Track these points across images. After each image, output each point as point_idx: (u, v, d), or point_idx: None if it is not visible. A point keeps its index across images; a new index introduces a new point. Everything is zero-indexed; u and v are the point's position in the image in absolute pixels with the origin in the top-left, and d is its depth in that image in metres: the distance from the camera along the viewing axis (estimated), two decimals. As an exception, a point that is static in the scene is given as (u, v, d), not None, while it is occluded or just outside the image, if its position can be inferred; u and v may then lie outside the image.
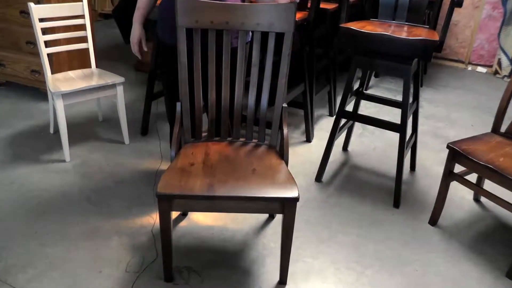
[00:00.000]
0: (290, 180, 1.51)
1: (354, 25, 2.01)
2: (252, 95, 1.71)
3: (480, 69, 4.71)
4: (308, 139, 2.80)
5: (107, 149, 2.56)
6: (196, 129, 1.74)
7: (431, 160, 2.68)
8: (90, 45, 2.60)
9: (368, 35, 1.90)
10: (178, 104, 1.67)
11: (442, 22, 2.18)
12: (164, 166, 2.40)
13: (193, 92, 1.68)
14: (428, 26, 2.17)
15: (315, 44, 2.69)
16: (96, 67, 2.65)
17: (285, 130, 1.68)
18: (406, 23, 2.22)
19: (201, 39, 1.63)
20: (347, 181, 2.39)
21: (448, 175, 1.95)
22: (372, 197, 2.26)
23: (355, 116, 2.17)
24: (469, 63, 4.75)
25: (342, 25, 1.98)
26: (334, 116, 3.03)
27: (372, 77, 4.04)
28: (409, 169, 2.57)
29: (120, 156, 2.49)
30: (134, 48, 1.99)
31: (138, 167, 2.39)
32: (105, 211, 2.03)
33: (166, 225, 1.49)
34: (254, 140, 1.79)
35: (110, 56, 4.30)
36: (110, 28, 5.34)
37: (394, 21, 2.24)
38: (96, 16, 5.81)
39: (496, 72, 4.56)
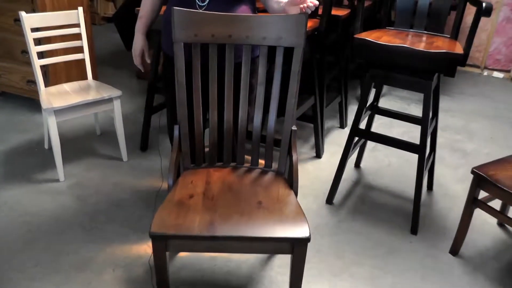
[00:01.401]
0: (300, 216, 1.35)
1: (369, 36, 1.84)
2: (257, 116, 1.55)
3: (496, 74, 4.50)
4: (318, 155, 2.64)
5: (105, 166, 2.42)
6: (196, 154, 1.58)
7: (449, 177, 2.51)
8: (86, 55, 2.45)
9: (385, 47, 1.73)
10: (176, 128, 1.51)
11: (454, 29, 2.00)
12: (166, 186, 2.25)
13: (193, 114, 1.53)
14: (449, 36, 1.99)
15: (326, 54, 2.52)
16: (94, 77, 2.51)
17: (295, 156, 1.52)
18: (425, 31, 2.05)
19: (201, 54, 1.47)
20: (360, 203, 2.22)
21: (472, 202, 1.77)
22: (387, 222, 2.09)
23: (370, 135, 2.00)
24: (485, 67, 4.55)
25: (357, 35, 1.81)
26: (347, 130, 2.88)
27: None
28: (426, 188, 2.39)
29: (118, 175, 2.34)
30: (136, 60, 1.84)
31: (137, 187, 2.24)
32: (100, 238, 1.88)
33: (161, 265, 1.34)
34: (260, 166, 1.63)
35: (112, 62, 4.16)
36: (113, 33, 5.19)
37: (412, 30, 2.07)
38: (99, 20, 5.68)
39: (513, 78, 4.36)
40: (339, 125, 3.10)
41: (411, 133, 3.01)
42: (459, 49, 1.72)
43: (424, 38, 1.93)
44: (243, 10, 1.61)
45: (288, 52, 1.49)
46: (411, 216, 2.13)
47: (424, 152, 1.87)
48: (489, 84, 4.24)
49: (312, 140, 2.84)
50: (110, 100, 2.30)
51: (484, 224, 2.11)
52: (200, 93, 1.50)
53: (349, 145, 2.04)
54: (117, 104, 2.32)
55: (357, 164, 2.55)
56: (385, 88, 3.86)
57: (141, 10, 1.80)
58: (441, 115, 3.39)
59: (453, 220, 2.13)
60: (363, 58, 1.80)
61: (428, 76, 1.77)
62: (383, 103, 3.57)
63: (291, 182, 1.51)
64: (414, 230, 2.00)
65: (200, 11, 1.42)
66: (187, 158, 1.57)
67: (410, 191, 2.35)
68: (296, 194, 1.49)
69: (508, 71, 4.46)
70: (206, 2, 1.54)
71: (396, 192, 2.34)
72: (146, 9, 1.78)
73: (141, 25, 1.80)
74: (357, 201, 2.24)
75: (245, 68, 1.51)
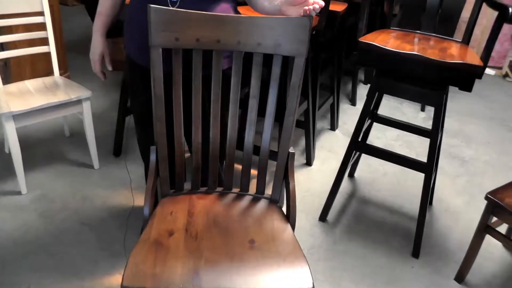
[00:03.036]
0: (300, 259, 1.15)
1: (375, 40, 1.63)
2: (249, 135, 1.33)
3: (488, 71, 4.37)
4: (309, 163, 2.44)
5: (73, 175, 2.16)
6: (176, 179, 1.35)
7: (448, 189, 2.35)
8: (52, 48, 2.16)
9: (396, 55, 1.52)
10: (153, 150, 1.28)
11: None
12: (138, 202, 2.01)
13: (172, 132, 1.29)
14: (460, 40, 1.80)
15: (321, 54, 2.30)
16: (63, 69, 2.22)
17: (292, 183, 1.31)
18: (433, 34, 1.84)
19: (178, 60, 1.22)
20: (356, 220, 2.04)
21: (484, 230, 1.61)
22: (386, 243, 1.91)
23: (371, 150, 1.81)
24: (477, 64, 4.41)
25: (362, 39, 1.59)
26: (338, 133, 2.66)
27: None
28: (426, 202, 2.22)
29: (88, 186, 2.09)
30: (95, 67, 1.56)
31: (109, 202, 2.00)
32: (65, 266, 1.64)
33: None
34: (250, 192, 1.41)
35: (84, 49, 3.80)
36: (86, 15, 4.82)
37: (419, 32, 1.86)
38: (72, 1, 5.29)
39: (506, 75, 4.23)
40: (329, 127, 2.90)
41: (406, 136, 2.84)
42: (476, 59, 1.53)
43: (433, 43, 1.73)
44: (224, 9, 1.36)
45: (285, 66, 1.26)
46: (411, 236, 1.96)
47: (431, 172, 1.68)
48: (481, 82, 4.10)
49: (302, 144, 2.64)
50: (78, 101, 2.03)
51: (488, 246, 1.96)
52: (181, 108, 1.27)
53: (347, 160, 1.84)
54: (86, 106, 2.06)
55: (351, 174, 2.37)
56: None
57: (99, 5, 1.49)
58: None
59: (455, 240, 1.97)
60: (369, 65, 1.59)
61: (441, 88, 1.58)
62: (375, 102, 3.38)
63: (287, 211, 1.30)
64: (416, 254, 1.84)
65: (174, 8, 1.17)
66: (166, 184, 1.34)
67: (409, 206, 2.18)
68: (293, 227, 1.29)
69: (500, 68, 4.33)
70: None
71: (393, 207, 2.16)
72: (105, 4, 1.48)
73: (100, 23, 1.50)
74: (352, 218, 2.05)
75: (236, 78, 1.27)
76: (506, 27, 4.16)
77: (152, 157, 1.27)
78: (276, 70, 1.26)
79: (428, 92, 1.59)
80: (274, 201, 1.38)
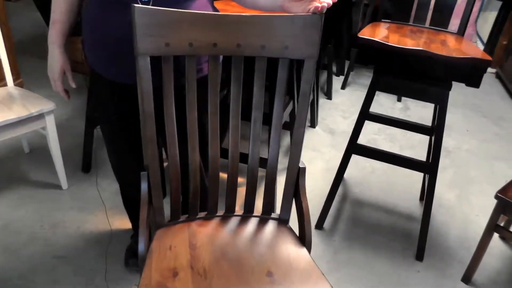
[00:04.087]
0: (324, 285, 1.02)
1: (374, 34, 1.51)
2: (254, 151, 1.17)
3: (452, 57, 4.41)
4: (296, 165, 2.30)
5: (39, 199, 1.92)
6: (172, 206, 1.18)
7: (438, 182, 2.29)
8: (2, 53, 1.89)
9: (400, 52, 1.41)
10: (143, 177, 1.09)
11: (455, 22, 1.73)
12: (117, 224, 1.81)
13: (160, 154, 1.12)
14: (455, 32, 1.72)
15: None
16: (16, 77, 1.95)
17: (305, 201, 1.17)
18: (426, 26, 1.75)
19: (156, 67, 1.04)
20: (353, 225, 1.94)
21: (493, 229, 1.54)
22: (388, 247, 1.82)
23: (369, 152, 1.70)
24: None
25: (361, 35, 1.47)
26: (319, 129, 2.54)
27: (346, 71, 3.57)
28: (418, 199, 2.16)
29: (58, 210, 1.86)
30: (56, 86, 1.32)
31: (84, 228, 1.78)
32: (40, 309, 1.43)
33: None
34: (256, 213, 1.26)
35: (35, 50, 3.47)
36: (32, 11, 4.40)
37: (411, 24, 1.77)
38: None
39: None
40: (309, 124, 2.78)
41: (387, 130, 2.77)
42: (480, 52, 1.44)
43: (429, 35, 1.63)
44: (202, 5, 1.19)
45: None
46: (411, 236, 1.88)
47: (436, 172, 1.60)
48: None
49: (285, 145, 2.51)
50: (40, 116, 1.79)
51: (493, 243, 1.92)
52: (174, 124, 1.09)
53: (344, 166, 1.73)
54: (50, 121, 1.82)
55: (341, 174, 2.26)
56: (349, 76, 3.59)
57: (52, 12, 1.24)
58: (412, 107, 3.19)
59: (454, 237, 1.91)
60: (370, 63, 1.47)
61: (446, 85, 1.48)
62: (348, 93, 3.31)
63: (302, 234, 1.17)
64: (420, 257, 1.76)
65: (162, 8, 0.99)
66: (161, 214, 1.16)
67: (403, 205, 2.10)
68: (309, 250, 1.15)
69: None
70: None
71: (388, 206, 2.08)
72: (60, 9, 1.23)
73: (56, 33, 1.25)
74: (349, 223, 1.95)
75: (236, 88, 1.11)
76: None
77: (144, 186, 1.09)
78: (282, 76, 1.11)
79: (432, 89, 1.49)
80: (283, 222, 1.24)
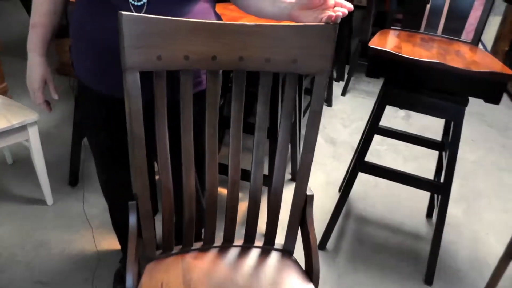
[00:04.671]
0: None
1: (384, 44, 1.39)
2: (257, 177, 1.05)
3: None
4: (295, 178, 2.19)
5: (22, 216, 1.78)
6: (164, 237, 1.05)
7: None
8: (-16, 61, 1.76)
9: (415, 64, 1.29)
10: (132, 208, 0.97)
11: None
12: (105, 244, 1.68)
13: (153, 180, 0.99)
14: (469, 41, 1.61)
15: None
16: (0, 81, 1.82)
17: (312, 232, 1.05)
18: (439, 34, 1.64)
19: (148, 78, 0.92)
20: (357, 245, 1.82)
21: (511, 257, 1.43)
22: (395, 269, 1.71)
23: (378, 171, 1.58)
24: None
25: (372, 45, 1.35)
26: (320, 139, 2.43)
27: (346, 76, 3.46)
28: (425, 216, 2.05)
29: (42, 229, 1.73)
30: (36, 98, 1.19)
31: (70, 249, 1.65)
32: None
33: None
34: (256, 243, 1.14)
35: (22, 51, 3.32)
36: (19, 9, 4.23)
37: (422, 32, 1.66)
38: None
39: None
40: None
41: (390, 139, 2.67)
42: (500, 65, 1.33)
43: (442, 45, 1.52)
44: (203, 11, 1.07)
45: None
46: (419, 257, 1.78)
47: (448, 194, 1.49)
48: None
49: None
50: (23, 128, 1.65)
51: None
52: (167, 148, 0.97)
53: (350, 185, 1.61)
54: (33, 133, 1.69)
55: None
56: (345, 81, 3.48)
57: (32, 15, 1.10)
58: (413, 114, 3.09)
59: (464, 259, 1.80)
60: (381, 76, 1.36)
61: (463, 100, 1.37)
62: (348, 100, 3.20)
63: (309, 269, 1.05)
64: (429, 281, 1.65)
65: (151, 16, 0.86)
66: (151, 247, 1.03)
67: (409, 223, 1.99)
68: (316, 286, 1.04)
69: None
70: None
71: (393, 224, 1.97)
72: (42, 10, 1.09)
73: (36, 39, 1.12)
74: (353, 242, 1.83)
75: (237, 105, 0.99)
76: (472, 17, 4.10)
77: (132, 219, 0.96)
78: (290, 94, 0.99)
79: (447, 104, 1.38)
80: (287, 253, 1.12)
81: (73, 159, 1.95)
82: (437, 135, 2.79)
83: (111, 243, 1.67)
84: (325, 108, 3.04)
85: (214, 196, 1.05)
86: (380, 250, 1.80)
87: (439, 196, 1.52)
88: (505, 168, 2.53)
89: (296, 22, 0.97)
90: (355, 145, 2.58)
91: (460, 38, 1.61)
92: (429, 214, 2.03)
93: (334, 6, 0.93)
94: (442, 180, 1.52)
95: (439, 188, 1.50)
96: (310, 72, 0.96)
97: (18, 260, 1.57)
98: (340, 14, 0.89)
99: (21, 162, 2.10)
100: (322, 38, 0.93)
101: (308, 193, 1.06)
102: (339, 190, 2.16)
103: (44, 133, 2.33)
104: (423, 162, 2.48)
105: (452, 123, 1.42)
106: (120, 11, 0.83)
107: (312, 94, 0.97)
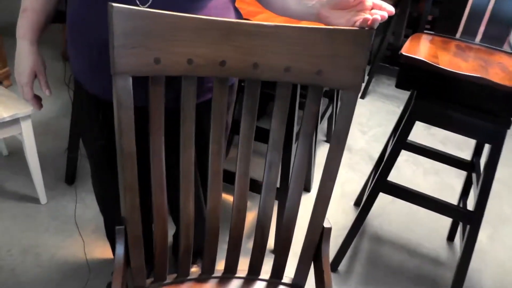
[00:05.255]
0: None
1: (418, 52, 1.23)
2: (267, 205, 0.90)
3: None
4: (307, 188, 2.04)
5: (13, 214, 1.66)
6: (157, 266, 0.91)
7: None
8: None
9: (453, 77, 1.13)
10: (119, 234, 0.83)
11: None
12: (98, 253, 1.55)
13: (149, 201, 0.85)
14: (511, 52, 1.44)
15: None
16: (3, 65, 1.71)
17: (327, 269, 0.91)
18: (477, 42, 1.47)
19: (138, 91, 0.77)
20: (372, 267, 1.67)
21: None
22: (412, 298, 1.56)
23: (400, 192, 1.42)
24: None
25: (405, 52, 1.19)
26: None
27: (367, 79, 3.28)
28: (445, 239, 1.89)
29: (32, 230, 1.60)
30: (26, 93, 1.04)
31: (60, 255, 1.52)
32: None
33: None
34: (262, 274, 0.99)
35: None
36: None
37: (458, 38, 1.49)
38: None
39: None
40: (325, 139, 2.51)
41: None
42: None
43: (481, 55, 1.35)
44: (222, 6, 0.92)
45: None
46: (439, 285, 1.62)
47: (479, 223, 1.33)
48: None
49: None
50: (15, 121, 1.52)
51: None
52: (163, 165, 0.82)
53: (369, 205, 1.46)
54: (26, 127, 1.56)
55: (358, 202, 1.99)
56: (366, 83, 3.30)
57: None
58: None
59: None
60: (414, 88, 1.20)
61: (505, 122, 1.20)
62: (368, 104, 3.02)
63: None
64: (450, 315, 1.49)
65: (150, 10, 0.71)
66: (141, 276, 0.89)
67: (428, 245, 1.83)
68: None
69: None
70: None
71: (411, 247, 1.81)
72: None
73: (27, 24, 0.99)
74: (367, 264, 1.68)
75: (249, 119, 0.84)
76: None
77: (119, 250, 0.82)
78: (312, 110, 0.83)
79: (487, 125, 1.22)
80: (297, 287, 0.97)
81: (71, 154, 1.82)
82: (462, 147, 2.62)
83: (104, 250, 1.55)
84: (341, 112, 2.87)
85: (216, 220, 0.90)
86: (396, 274, 1.65)
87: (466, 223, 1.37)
88: (534, 188, 2.35)
89: (325, 24, 0.82)
90: (373, 154, 2.41)
91: (502, 48, 1.44)
92: (450, 238, 1.87)
93: (371, 8, 0.77)
94: (473, 208, 1.35)
95: (469, 217, 1.34)
96: (337, 86, 0.81)
97: (3, 265, 1.45)
98: (378, 17, 0.73)
99: (17, 154, 1.98)
100: (355, 46, 0.77)
101: (326, 225, 0.92)
102: (355, 204, 2.00)
103: (43, 124, 2.20)
104: (444, 177, 2.31)
105: (491, 146, 1.25)
106: (110, 4, 0.68)
107: (338, 114, 0.81)
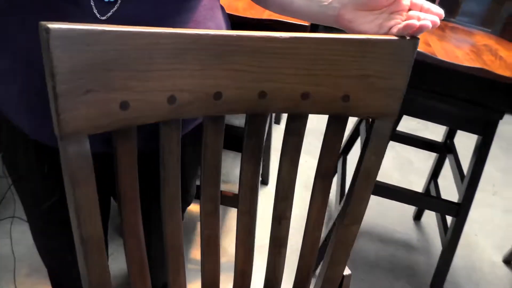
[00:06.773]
0: None
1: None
2: (277, 266, 0.71)
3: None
4: (265, 181, 1.87)
5: None
6: None
7: (490, 240, 1.93)
8: None
9: (452, 68, 0.99)
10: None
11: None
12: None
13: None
14: (489, 30, 1.34)
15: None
16: None
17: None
18: (454, 20, 1.36)
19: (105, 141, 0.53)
20: (348, 263, 1.57)
21: None
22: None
23: (384, 190, 1.30)
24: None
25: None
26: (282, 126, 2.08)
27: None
28: (412, 218, 1.85)
29: None
30: None
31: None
32: None
33: None
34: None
35: None
36: None
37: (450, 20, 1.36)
38: None
39: None
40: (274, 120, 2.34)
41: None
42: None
43: (463, 36, 1.24)
44: (206, 11, 0.67)
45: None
46: (416, 271, 1.59)
47: (465, 216, 1.26)
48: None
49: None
50: None
51: (496, 270, 1.67)
52: (142, 233, 0.59)
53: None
54: None
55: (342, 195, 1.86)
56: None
57: None
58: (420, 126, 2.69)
59: (460, 269, 1.64)
60: (424, 85, 1.05)
61: (498, 112, 1.10)
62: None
63: None
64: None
65: (107, 28, 0.45)
66: None
67: (399, 228, 1.78)
68: None
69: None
70: None
71: (383, 233, 1.74)
72: None
73: None
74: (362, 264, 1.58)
75: (252, 169, 0.63)
76: None
77: None
78: (335, 147, 0.64)
79: (478, 118, 1.11)
80: None
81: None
82: (420, 126, 2.53)
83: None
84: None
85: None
86: (373, 267, 1.58)
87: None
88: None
89: (347, 31, 0.61)
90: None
91: (481, 26, 1.34)
92: (417, 217, 1.84)
93: (409, 9, 0.58)
94: (458, 200, 1.28)
95: (457, 211, 1.26)
96: (367, 115, 0.61)
97: None
98: (428, 23, 0.54)
99: None
100: (392, 62, 0.58)
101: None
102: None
103: None
104: (400, 150, 2.28)
105: (482, 137, 1.16)
106: (42, 22, 0.41)
107: (367, 150, 0.63)
